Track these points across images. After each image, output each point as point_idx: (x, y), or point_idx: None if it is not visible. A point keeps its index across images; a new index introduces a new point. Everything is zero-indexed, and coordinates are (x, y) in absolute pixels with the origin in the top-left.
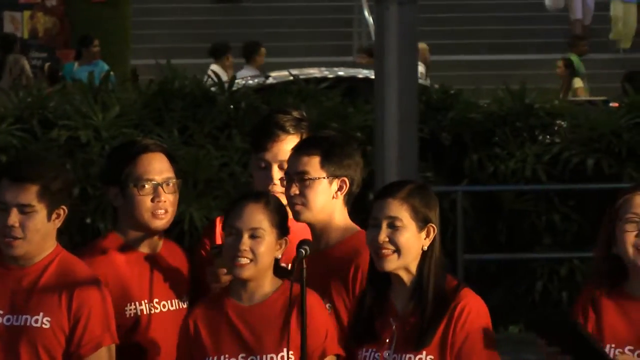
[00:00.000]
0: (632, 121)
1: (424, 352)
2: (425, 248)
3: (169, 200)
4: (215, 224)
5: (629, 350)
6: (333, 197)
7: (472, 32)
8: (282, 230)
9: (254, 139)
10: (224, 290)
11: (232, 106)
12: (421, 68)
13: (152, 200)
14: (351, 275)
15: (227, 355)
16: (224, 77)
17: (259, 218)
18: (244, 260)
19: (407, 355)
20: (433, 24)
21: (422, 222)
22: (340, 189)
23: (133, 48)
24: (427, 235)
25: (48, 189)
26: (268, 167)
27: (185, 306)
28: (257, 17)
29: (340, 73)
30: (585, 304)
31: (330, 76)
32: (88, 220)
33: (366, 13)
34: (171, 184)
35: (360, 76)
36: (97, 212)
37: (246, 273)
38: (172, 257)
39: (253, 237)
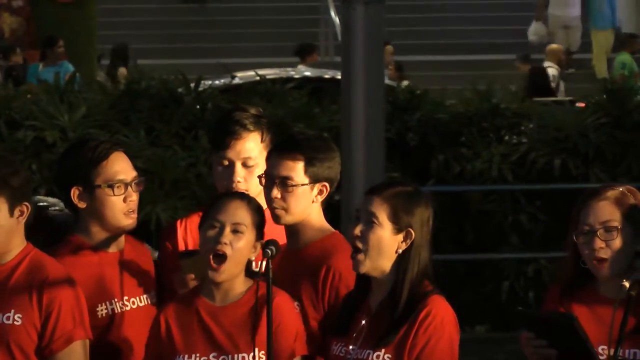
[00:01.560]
0: (599, 121)
1: (383, 350)
2: (401, 252)
3: (136, 199)
4: (176, 227)
5: (602, 349)
6: (313, 201)
7: (440, 32)
8: (260, 232)
9: (215, 138)
10: (195, 289)
11: (198, 107)
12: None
13: (124, 200)
14: (322, 276)
15: (198, 354)
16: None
17: (242, 214)
18: (221, 252)
19: (367, 351)
20: (400, 24)
21: (401, 225)
22: (320, 193)
23: (99, 49)
24: (405, 240)
25: (7, 184)
26: (231, 165)
27: (154, 301)
28: (223, 17)
29: (307, 73)
30: (554, 303)
31: (297, 76)
32: None
33: (332, 13)
34: (139, 183)
35: (326, 76)
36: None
37: (221, 277)
38: (136, 253)
39: (235, 231)
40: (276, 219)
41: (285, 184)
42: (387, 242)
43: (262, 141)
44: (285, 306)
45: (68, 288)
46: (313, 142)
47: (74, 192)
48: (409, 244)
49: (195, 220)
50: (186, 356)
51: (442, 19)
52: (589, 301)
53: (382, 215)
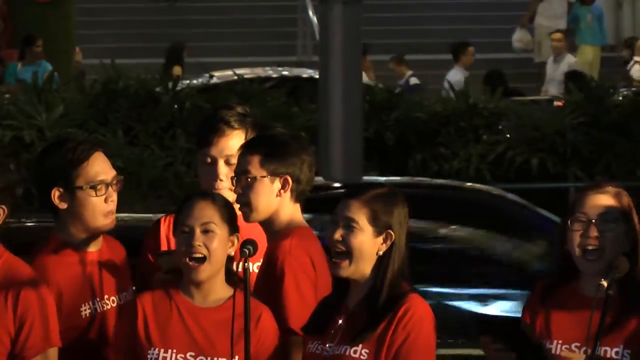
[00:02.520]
0: (576, 120)
1: (360, 346)
2: (381, 253)
3: (116, 198)
4: (160, 225)
5: (576, 347)
6: (277, 196)
7: (416, 31)
8: (233, 226)
9: (200, 135)
10: (174, 285)
11: (176, 106)
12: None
13: (105, 201)
14: (272, 265)
15: (175, 350)
16: (364, 79)
17: (209, 213)
18: (199, 255)
19: (344, 347)
20: (379, 23)
21: (381, 228)
22: (283, 187)
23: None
24: (385, 241)
25: None
26: (214, 163)
27: (130, 299)
28: (201, 16)
29: (285, 73)
30: (536, 298)
31: (275, 76)
32: None
33: (310, 13)
34: (118, 183)
35: (304, 76)
36: (41, 212)
37: (202, 275)
38: (113, 251)
39: (205, 232)
40: (244, 216)
41: (244, 178)
42: (368, 246)
43: (246, 139)
44: (270, 324)
45: (41, 295)
46: (276, 139)
47: (55, 193)
48: (389, 245)
49: None
50: (162, 350)
51: (418, 19)
52: (569, 299)
53: (362, 219)
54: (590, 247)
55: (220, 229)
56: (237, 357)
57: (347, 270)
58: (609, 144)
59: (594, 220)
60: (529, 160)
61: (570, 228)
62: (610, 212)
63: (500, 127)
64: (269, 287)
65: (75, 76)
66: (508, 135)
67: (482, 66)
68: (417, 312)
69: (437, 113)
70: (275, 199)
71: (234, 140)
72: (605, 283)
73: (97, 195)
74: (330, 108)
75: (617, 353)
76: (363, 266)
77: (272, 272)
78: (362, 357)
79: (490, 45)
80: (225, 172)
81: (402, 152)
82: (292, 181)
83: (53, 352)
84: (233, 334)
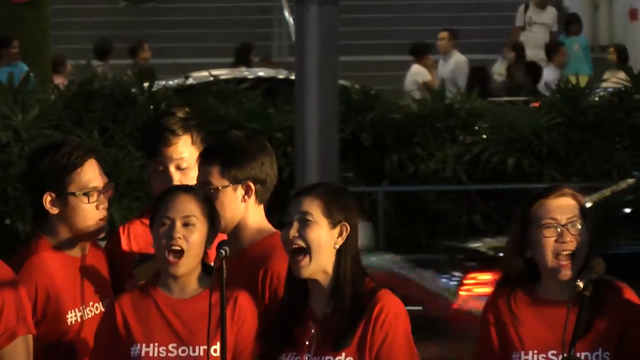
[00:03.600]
0: (553, 121)
1: (343, 354)
2: (338, 247)
3: (107, 205)
4: (119, 234)
5: (552, 354)
6: (242, 201)
7: (391, 33)
8: (213, 221)
9: (147, 146)
10: (151, 282)
11: (152, 107)
12: None
13: (97, 208)
14: (260, 278)
15: (157, 344)
16: (427, 77)
17: (190, 206)
18: (177, 248)
19: (327, 357)
20: (351, 24)
21: (335, 220)
22: (246, 192)
23: (53, 49)
24: (340, 234)
25: None
26: (165, 170)
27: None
28: (178, 17)
29: (261, 74)
30: (497, 305)
31: (251, 77)
32: (7, 222)
33: (286, 13)
34: (109, 189)
35: (280, 77)
36: (17, 214)
37: (180, 269)
38: (96, 258)
39: (186, 225)
40: None
41: (207, 189)
42: (325, 239)
43: (192, 143)
44: (248, 305)
45: (11, 284)
46: (230, 145)
47: (46, 198)
48: (345, 238)
49: (137, 225)
50: (144, 345)
51: (393, 19)
52: (535, 305)
53: (316, 211)
54: (565, 252)
55: (200, 223)
56: (218, 344)
57: (308, 268)
58: (584, 145)
59: (565, 225)
60: (505, 160)
61: (541, 235)
62: (576, 214)
63: (476, 127)
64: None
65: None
66: (484, 136)
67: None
68: (392, 309)
69: (413, 114)
70: (241, 205)
71: (181, 147)
72: (581, 284)
73: (89, 202)
74: (306, 109)
75: (597, 357)
76: (323, 262)
77: (262, 283)
78: None
79: (465, 45)
80: (178, 178)
81: (378, 153)
82: (255, 185)
83: (29, 339)
84: (210, 325)
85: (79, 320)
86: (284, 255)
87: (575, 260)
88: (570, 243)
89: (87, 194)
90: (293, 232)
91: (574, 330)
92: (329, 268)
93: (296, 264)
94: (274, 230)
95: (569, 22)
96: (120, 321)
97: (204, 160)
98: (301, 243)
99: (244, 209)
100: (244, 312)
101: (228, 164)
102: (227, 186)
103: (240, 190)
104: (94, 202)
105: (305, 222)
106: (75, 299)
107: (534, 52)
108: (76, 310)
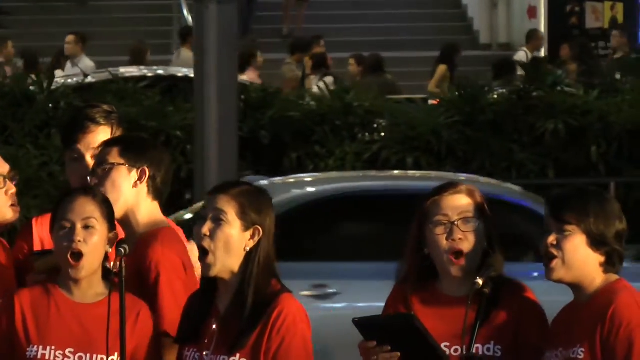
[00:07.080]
0: (451, 119)
1: (238, 355)
2: (249, 249)
3: (15, 191)
4: (32, 226)
5: (445, 346)
6: (133, 187)
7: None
8: (112, 224)
9: (65, 134)
10: (51, 281)
11: (51, 105)
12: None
13: (6, 193)
14: (146, 267)
15: (54, 347)
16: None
17: (90, 209)
18: (78, 250)
19: (222, 357)
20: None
21: (249, 223)
22: (140, 178)
23: None
24: (252, 237)
25: None
26: (81, 159)
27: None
28: (75, 16)
29: (160, 72)
30: (396, 302)
31: (150, 75)
32: None
33: (185, 12)
34: (14, 177)
35: (179, 75)
36: None
37: (81, 273)
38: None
39: (86, 227)
40: None
41: (101, 169)
42: (235, 240)
43: (112, 135)
44: (148, 321)
45: None
46: (137, 136)
47: None
48: (256, 241)
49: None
50: (40, 347)
51: (367, 16)
52: (433, 301)
53: (231, 212)
54: (456, 249)
55: (100, 226)
56: (116, 354)
57: (214, 268)
58: (483, 143)
59: (456, 222)
60: (404, 159)
61: (434, 232)
62: (469, 210)
63: (375, 125)
64: (143, 289)
65: None
66: (383, 134)
67: (429, 64)
68: (290, 313)
69: (312, 112)
70: (132, 190)
71: (100, 136)
72: (480, 281)
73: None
74: (205, 107)
75: (488, 349)
76: (230, 262)
77: (145, 275)
78: None
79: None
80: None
81: (277, 151)
82: (149, 174)
83: None
84: (109, 332)
85: None
86: (168, 245)
87: (467, 258)
88: (460, 241)
89: None
90: (205, 229)
91: (471, 326)
92: (236, 268)
93: (202, 262)
94: (169, 224)
95: None
96: (19, 319)
97: (106, 144)
98: (208, 243)
99: (135, 196)
100: (145, 328)
101: (129, 147)
102: (122, 164)
103: (135, 174)
104: (1, 188)
105: (218, 221)
106: None
107: None
108: None
